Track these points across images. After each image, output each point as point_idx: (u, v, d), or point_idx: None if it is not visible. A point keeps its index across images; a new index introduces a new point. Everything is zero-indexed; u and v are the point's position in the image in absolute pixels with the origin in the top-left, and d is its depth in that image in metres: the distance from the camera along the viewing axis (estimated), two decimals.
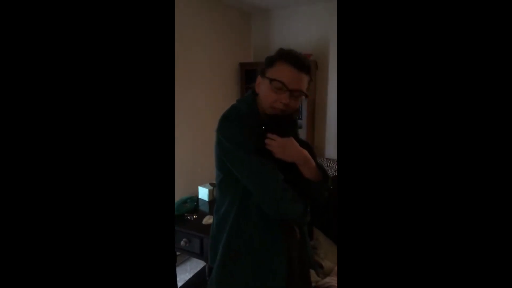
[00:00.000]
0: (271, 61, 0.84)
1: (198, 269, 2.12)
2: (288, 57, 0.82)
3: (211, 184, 2.19)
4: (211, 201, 2.12)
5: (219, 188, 0.91)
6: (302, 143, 0.87)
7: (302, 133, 2.60)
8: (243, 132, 0.81)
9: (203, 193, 2.14)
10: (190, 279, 1.95)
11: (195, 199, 2.07)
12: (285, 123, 0.84)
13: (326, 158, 2.62)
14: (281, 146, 0.81)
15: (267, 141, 0.81)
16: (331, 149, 2.76)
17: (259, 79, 0.87)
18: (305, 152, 0.84)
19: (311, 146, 0.92)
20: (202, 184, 2.20)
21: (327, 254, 1.72)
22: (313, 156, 0.88)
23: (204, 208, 2.03)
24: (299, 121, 2.59)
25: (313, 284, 1.44)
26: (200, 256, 1.77)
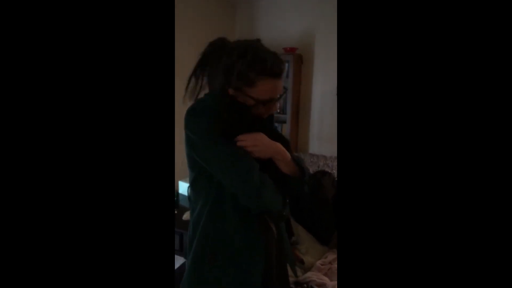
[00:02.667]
0: (248, 81, 0.74)
1: (178, 265, 2.09)
2: (265, 68, 0.74)
3: None
4: None
5: (193, 189, 0.86)
6: (276, 136, 0.84)
7: (286, 128, 2.58)
8: (211, 121, 0.76)
9: (184, 188, 2.10)
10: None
11: (175, 194, 2.02)
12: (248, 120, 0.80)
13: (310, 154, 2.61)
14: (255, 145, 0.77)
15: (240, 143, 0.77)
16: (315, 145, 2.76)
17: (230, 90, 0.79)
18: (279, 145, 0.81)
19: (286, 140, 0.90)
20: (183, 179, 2.15)
21: (308, 250, 1.72)
22: (289, 150, 0.85)
23: (184, 203, 1.99)
24: (283, 116, 2.56)
25: (294, 279, 1.43)
26: (180, 252, 1.74)
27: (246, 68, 0.73)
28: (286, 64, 2.50)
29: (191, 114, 0.80)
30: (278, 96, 0.79)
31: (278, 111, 2.64)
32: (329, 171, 2.17)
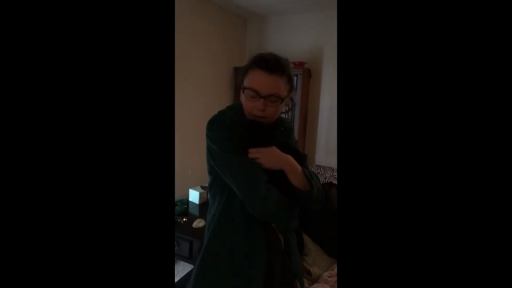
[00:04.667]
0: (245, 69, 0.83)
1: (186, 272, 2.11)
2: (259, 62, 0.81)
3: (202, 187, 2.18)
4: (202, 204, 2.11)
5: (210, 192, 0.92)
6: (291, 150, 0.87)
7: None
8: (228, 133, 0.81)
9: (194, 196, 2.14)
10: (178, 282, 1.93)
11: (185, 202, 2.06)
12: (265, 133, 0.83)
13: (317, 165, 2.65)
14: (265, 156, 0.81)
15: (251, 155, 0.81)
16: (321, 156, 2.80)
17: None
18: (290, 157, 0.84)
19: (303, 154, 0.92)
20: (193, 187, 2.20)
21: (316, 261, 1.73)
22: (304, 164, 0.88)
23: (194, 211, 2.02)
24: None
25: None
26: (189, 259, 1.76)
27: (248, 64, 0.83)
28: (295, 77, 2.56)
29: (210, 123, 0.85)
30: (279, 93, 0.80)
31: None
32: (337, 183, 2.19)
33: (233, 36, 2.76)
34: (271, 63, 0.80)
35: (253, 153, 0.81)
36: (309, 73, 2.66)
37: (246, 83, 0.82)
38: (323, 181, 2.43)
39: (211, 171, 0.87)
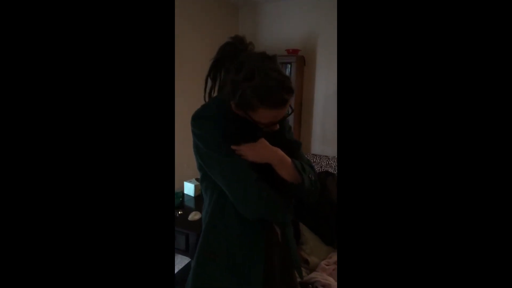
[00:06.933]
0: (250, 105, 0.72)
1: (183, 265, 2.11)
2: (264, 100, 0.70)
3: (197, 179, 2.16)
4: (197, 196, 2.09)
5: (202, 187, 0.89)
6: (283, 141, 0.84)
7: None
8: (214, 130, 0.76)
9: (189, 188, 2.12)
10: (176, 274, 1.93)
11: (181, 194, 2.04)
12: (254, 127, 0.77)
13: (312, 154, 2.63)
14: (250, 150, 0.76)
15: (234, 147, 0.76)
16: (317, 145, 2.78)
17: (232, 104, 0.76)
18: (277, 150, 0.79)
19: (297, 142, 0.88)
20: (188, 180, 2.17)
21: (313, 250, 1.74)
22: (298, 153, 0.84)
23: (190, 204, 2.01)
24: None
25: (299, 280, 1.45)
26: (185, 252, 1.75)
27: (250, 93, 0.70)
28: (289, 65, 2.52)
29: (195, 119, 0.80)
30: (280, 119, 0.77)
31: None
32: (333, 172, 2.19)
33: (224, 25, 2.70)
34: (276, 99, 0.71)
35: (238, 148, 0.76)
36: (303, 61, 2.62)
37: (256, 118, 0.74)
38: (319, 169, 2.41)
39: (200, 167, 0.83)
